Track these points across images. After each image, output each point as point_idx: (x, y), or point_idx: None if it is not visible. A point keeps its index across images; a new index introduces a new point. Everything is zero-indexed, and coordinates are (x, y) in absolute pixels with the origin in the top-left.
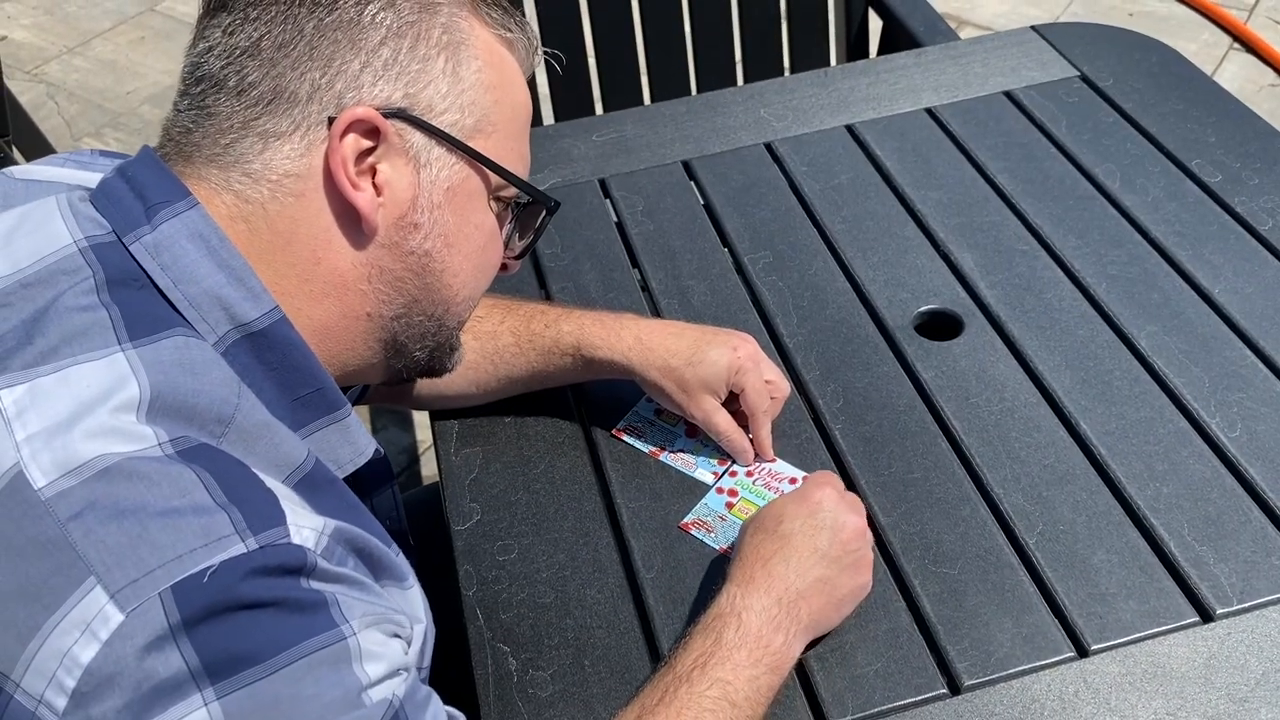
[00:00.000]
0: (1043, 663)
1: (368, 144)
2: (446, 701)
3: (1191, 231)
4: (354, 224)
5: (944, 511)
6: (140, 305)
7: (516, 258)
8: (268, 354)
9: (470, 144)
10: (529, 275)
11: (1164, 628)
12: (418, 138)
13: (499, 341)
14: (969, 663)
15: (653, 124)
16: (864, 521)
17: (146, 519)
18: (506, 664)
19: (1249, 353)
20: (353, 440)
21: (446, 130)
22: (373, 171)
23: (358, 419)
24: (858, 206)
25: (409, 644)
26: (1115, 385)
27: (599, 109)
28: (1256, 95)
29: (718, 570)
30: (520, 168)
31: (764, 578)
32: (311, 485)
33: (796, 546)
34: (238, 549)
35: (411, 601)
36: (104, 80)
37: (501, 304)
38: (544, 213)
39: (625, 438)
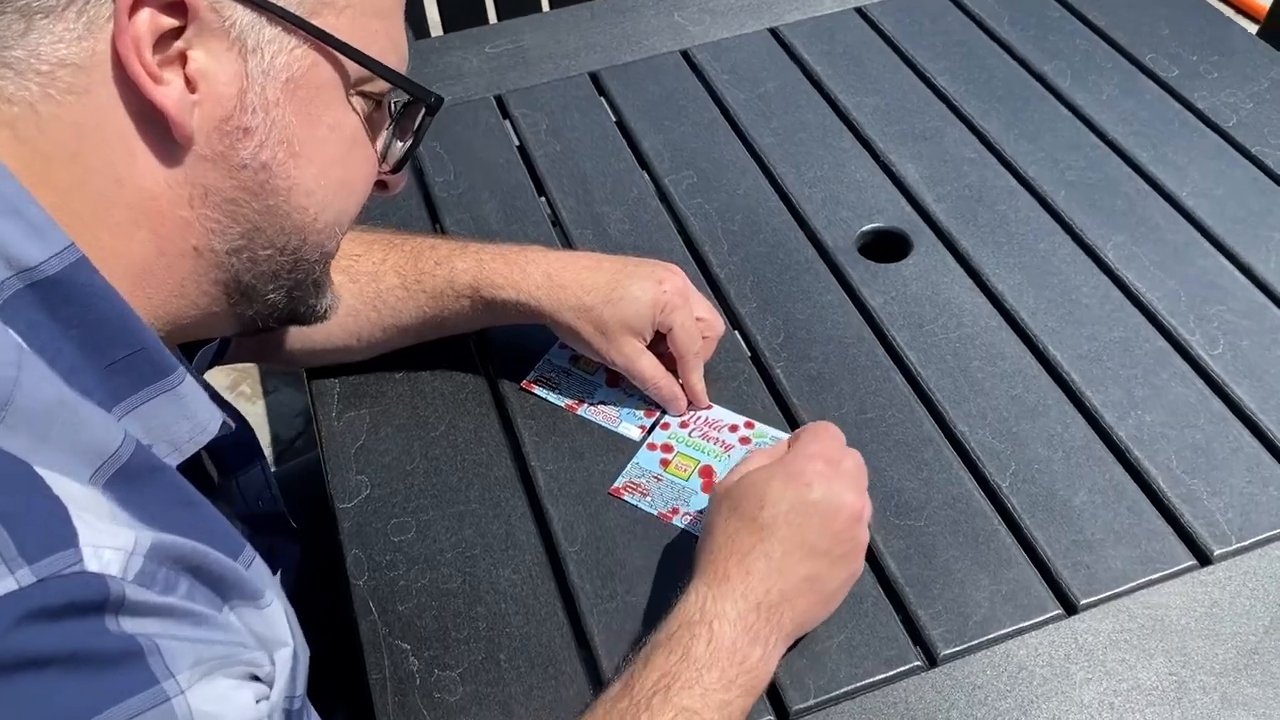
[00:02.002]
0: (1027, 623)
1: (172, 23)
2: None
3: (1151, 131)
4: (161, 130)
5: (904, 455)
6: None
7: (394, 170)
8: (63, 308)
9: (314, 22)
10: (417, 208)
11: (1158, 574)
12: (241, 14)
13: (381, 283)
14: (945, 629)
15: (554, 32)
16: (863, 499)
17: None
18: (407, 664)
19: (1225, 261)
20: (190, 413)
21: (279, 3)
22: (182, 59)
23: (196, 385)
24: (788, 117)
25: (271, 684)
26: (1083, 303)
27: (492, 17)
28: None
29: (655, 536)
30: (391, 53)
31: (740, 577)
32: (130, 479)
33: (781, 539)
34: (6, 585)
35: (271, 623)
36: None
37: (383, 239)
38: (423, 111)
39: (537, 390)
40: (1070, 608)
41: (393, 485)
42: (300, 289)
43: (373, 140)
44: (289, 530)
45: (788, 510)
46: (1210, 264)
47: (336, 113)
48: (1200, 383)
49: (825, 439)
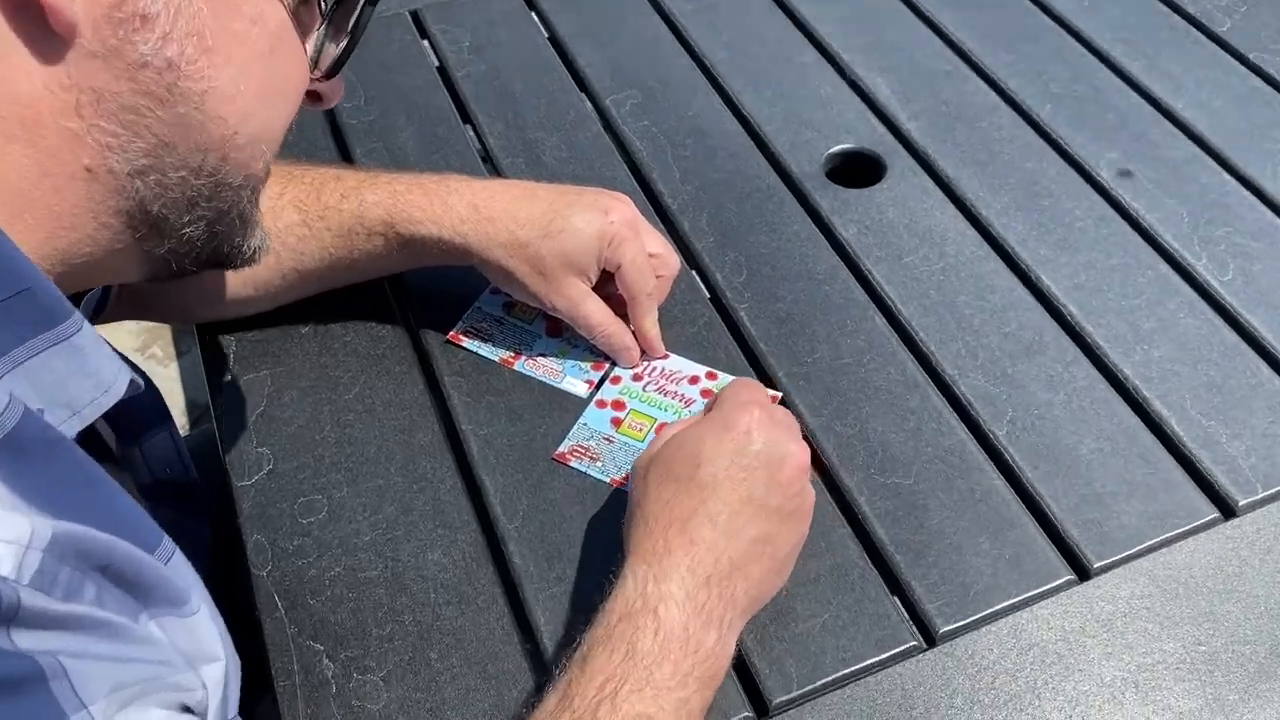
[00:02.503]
0: (1035, 592)
1: None
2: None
3: (1140, 39)
4: (34, 18)
5: (887, 404)
6: None
7: (328, 75)
8: None
9: None
10: (322, 136)
11: (1179, 530)
12: None
13: (279, 221)
14: (943, 602)
15: None
16: (805, 450)
17: None
18: (321, 668)
19: (1229, 178)
20: (91, 369)
21: None
22: None
23: (96, 335)
24: (741, 29)
25: (204, 714)
26: (1078, 228)
27: None
28: None
29: (607, 506)
30: None
31: (684, 548)
32: (17, 452)
33: (724, 497)
34: None
35: (197, 633)
36: None
37: (280, 170)
38: (360, 3)
39: (466, 343)
40: (1082, 572)
41: (299, 458)
42: (223, 223)
43: (301, 40)
44: (199, 502)
45: (728, 465)
46: (1213, 181)
47: (257, 1)
48: (1210, 312)
49: (753, 391)
